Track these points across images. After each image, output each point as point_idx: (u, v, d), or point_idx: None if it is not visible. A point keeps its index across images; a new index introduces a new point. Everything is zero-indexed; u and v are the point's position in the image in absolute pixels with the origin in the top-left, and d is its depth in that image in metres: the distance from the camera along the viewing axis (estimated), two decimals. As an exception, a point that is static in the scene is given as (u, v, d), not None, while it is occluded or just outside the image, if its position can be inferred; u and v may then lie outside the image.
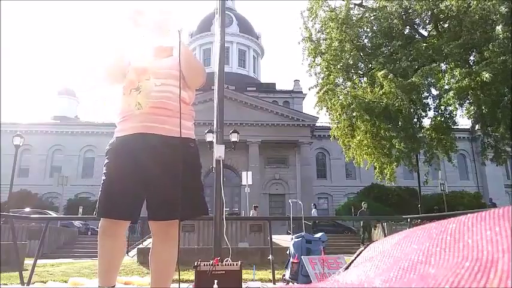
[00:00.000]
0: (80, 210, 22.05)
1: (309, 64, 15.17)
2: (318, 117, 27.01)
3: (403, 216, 6.47)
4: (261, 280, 5.64)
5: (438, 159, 15.14)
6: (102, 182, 1.95)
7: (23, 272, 4.78)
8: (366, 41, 15.16)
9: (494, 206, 22.12)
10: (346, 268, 0.61)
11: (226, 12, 5.35)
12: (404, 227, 7.14)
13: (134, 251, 10.56)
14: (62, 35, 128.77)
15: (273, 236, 5.40)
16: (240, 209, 26.11)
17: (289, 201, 7.32)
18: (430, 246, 0.41)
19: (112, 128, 2.08)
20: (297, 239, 4.43)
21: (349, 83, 15.04)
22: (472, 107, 12.24)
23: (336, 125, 15.37)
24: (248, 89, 33.67)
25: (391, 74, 12.15)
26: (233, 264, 3.10)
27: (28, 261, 6.76)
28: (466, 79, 10.71)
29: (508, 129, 11.83)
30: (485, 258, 0.34)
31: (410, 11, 13.47)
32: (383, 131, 13.34)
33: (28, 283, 4.61)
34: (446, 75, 11.59)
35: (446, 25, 13.53)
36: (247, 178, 15.68)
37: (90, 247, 13.94)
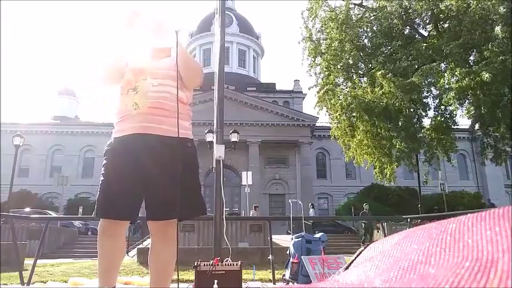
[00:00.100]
0: (80, 210, 22.06)
1: (309, 64, 15.18)
2: (318, 117, 27.01)
3: (403, 216, 6.46)
4: (261, 280, 5.64)
5: (438, 159, 15.15)
6: (100, 182, 1.96)
7: (23, 272, 4.78)
8: (366, 41, 15.17)
9: (493, 206, 22.11)
10: (346, 268, 0.61)
11: (226, 12, 5.35)
12: (404, 227, 7.15)
13: (134, 251, 10.56)
14: (62, 35, 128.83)
15: (273, 236, 5.40)
16: (240, 209, 26.11)
17: (289, 201, 7.32)
18: (430, 246, 0.41)
19: (112, 128, 2.09)
20: (297, 239, 4.43)
21: (349, 83, 15.05)
22: (472, 107, 12.25)
23: (336, 125, 15.37)
24: (248, 89, 33.67)
25: (390, 74, 12.16)
26: (233, 264, 3.10)
27: (28, 261, 6.76)
28: (466, 79, 10.71)
29: (508, 129, 11.84)
30: (485, 258, 0.34)
31: (410, 11, 13.47)
32: (383, 130, 13.35)
33: (28, 283, 4.61)
34: (446, 74, 11.59)
35: (446, 25, 13.54)
36: (247, 178, 15.68)
37: (90, 247, 13.95)
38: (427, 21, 14.33)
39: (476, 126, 14.37)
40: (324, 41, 14.91)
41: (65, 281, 5.71)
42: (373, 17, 14.65)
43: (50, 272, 7.11)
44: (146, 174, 1.91)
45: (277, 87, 37.77)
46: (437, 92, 13.08)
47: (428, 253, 0.40)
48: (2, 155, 26.22)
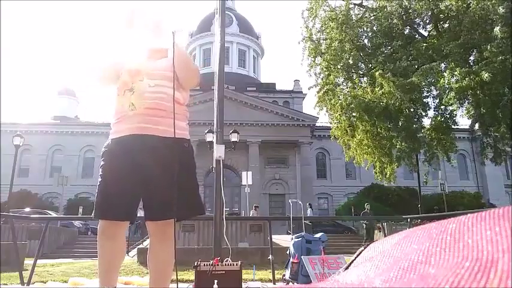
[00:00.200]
0: (80, 210, 22.05)
1: (309, 64, 15.18)
2: (318, 117, 27.00)
3: (403, 216, 6.46)
4: (261, 280, 5.64)
5: (438, 159, 15.14)
6: (98, 183, 1.97)
7: (23, 272, 4.78)
8: (366, 41, 15.18)
9: (492, 206, 22.11)
10: (346, 268, 0.61)
11: (226, 12, 5.35)
12: (404, 227, 7.15)
13: (134, 251, 10.56)
14: (62, 36, 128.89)
15: (273, 236, 5.40)
16: (240, 209, 26.11)
17: (289, 201, 7.32)
18: (430, 246, 0.41)
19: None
20: (297, 239, 4.43)
21: (349, 83, 15.05)
22: (472, 107, 12.25)
23: (336, 125, 15.38)
24: (248, 89, 33.66)
25: (390, 73, 12.16)
26: (233, 264, 3.10)
27: (28, 261, 6.76)
28: (466, 79, 10.71)
29: (508, 129, 11.84)
30: (485, 258, 0.34)
31: (410, 11, 13.48)
32: (383, 130, 13.35)
33: (28, 283, 4.61)
34: (446, 74, 11.59)
35: (446, 25, 13.54)
36: (247, 178, 15.68)
37: (90, 247, 13.94)
38: (427, 21, 14.34)
39: (476, 126, 14.37)
40: (324, 41, 14.92)
41: (65, 281, 5.71)
42: (373, 17, 14.66)
43: (50, 272, 7.11)
44: (145, 174, 1.91)
45: (277, 87, 37.78)
46: (437, 92, 13.09)
47: (428, 253, 0.40)
48: (2, 155, 26.22)
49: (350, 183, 32.17)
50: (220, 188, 4.18)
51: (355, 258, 0.64)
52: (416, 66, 12.52)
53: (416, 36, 14.52)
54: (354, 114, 13.71)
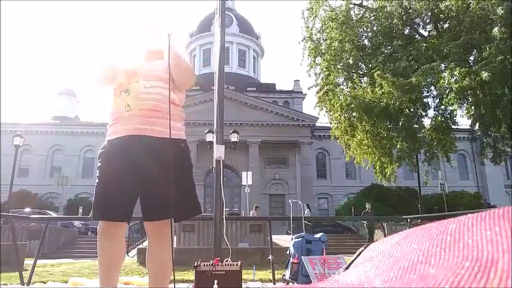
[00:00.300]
0: (80, 210, 22.06)
1: (309, 64, 15.18)
2: (318, 118, 26.97)
3: (403, 217, 6.46)
4: (261, 280, 5.64)
5: (438, 159, 15.15)
6: (95, 185, 1.97)
7: (23, 272, 4.78)
8: (366, 41, 15.17)
9: (492, 207, 22.13)
10: (346, 268, 0.61)
11: (226, 12, 5.35)
12: (404, 227, 7.15)
13: (134, 251, 10.57)
14: (62, 36, 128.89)
15: (273, 236, 5.39)
16: (240, 209, 26.11)
17: (289, 201, 7.33)
18: (430, 246, 0.41)
19: (112, 128, 2.10)
20: (297, 239, 4.43)
21: (349, 83, 15.05)
22: (472, 107, 12.25)
23: (336, 125, 15.38)
24: (248, 89, 33.67)
25: (389, 73, 12.16)
26: (233, 264, 3.09)
27: (28, 261, 6.76)
28: (466, 79, 10.72)
29: (508, 129, 11.84)
30: (485, 258, 0.34)
31: (410, 11, 13.48)
32: (383, 130, 13.35)
33: (28, 283, 4.61)
34: (445, 74, 11.59)
35: (446, 25, 13.54)
36: (247, 178, 15.69)
37: (90, 247, 13.95)
38: (427, 21, 14.34)
39: (476, 126, 14.37)
40: (324, 41, 14.92)
41: (65, 281, 5.71)
42: (373, 17, 14.66)
43: (50, 272, 7.12)
44: (142, 174, 1.92)
45: (277, 87, 37.79)
46: (438, 92, 13.09)
47: (428, 253, 0.40)
48: (2, 155, 26.23)
49: (350, 183, 32.17)
50: (220, 188, 4.18)
51: (355, 258, 0.64)
52: (416, 66, 12.52)
53: (416, 36, 14.52)
54: (354, 114, 13.71)
